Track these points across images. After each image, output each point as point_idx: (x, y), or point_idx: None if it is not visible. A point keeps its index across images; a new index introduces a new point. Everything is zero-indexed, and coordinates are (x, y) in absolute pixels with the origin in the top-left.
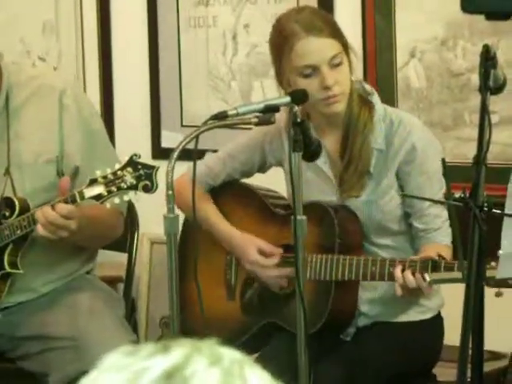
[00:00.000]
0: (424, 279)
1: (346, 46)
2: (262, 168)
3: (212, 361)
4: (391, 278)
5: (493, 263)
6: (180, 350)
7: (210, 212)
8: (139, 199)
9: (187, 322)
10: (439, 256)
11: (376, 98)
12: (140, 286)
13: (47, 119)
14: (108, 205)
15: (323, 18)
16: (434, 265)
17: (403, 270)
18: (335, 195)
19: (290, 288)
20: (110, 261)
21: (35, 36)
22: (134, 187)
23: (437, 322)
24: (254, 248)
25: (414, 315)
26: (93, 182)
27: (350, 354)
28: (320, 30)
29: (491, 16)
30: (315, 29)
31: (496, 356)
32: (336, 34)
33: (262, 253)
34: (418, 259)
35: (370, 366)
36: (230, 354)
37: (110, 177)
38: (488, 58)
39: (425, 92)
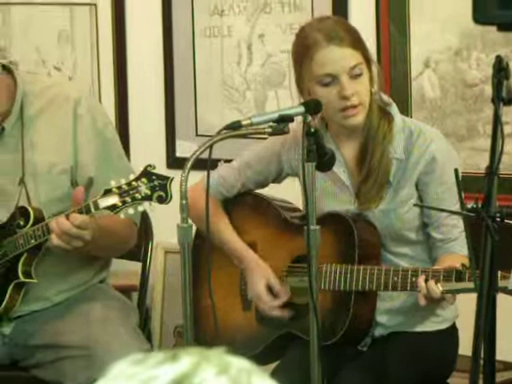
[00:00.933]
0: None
1: (367, 58)
2: (278, 178)
3: (220, 369)
4: (413, 288)
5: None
6: (188, 358)
7: (223, 228)
8: (154, 210)
9: (201, 332)
10: (463, 266)
11: (394, 109)
12: (154, 295)
13: (61, 129)
14: (122, 215)
15: (346, 28)
16: (459, 275)
17: (426, 280)
18: (353, 205)
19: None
20: (125, 270)
21: (51, 46)
22: (148, 198)
23: (452, 332)
24: (264, 281)
25: (430, 325)
26: (107, 192)
27: (367, 364)
28: (341, 39)
29: (503, 27)
30: (337, 38)
31: (508, 366)
32: (358, 45)
33: (269, 288)
34: (442, 269)
35: (388, 377)
36: (238, 363)
37: (125, 187)
38: (500, 69)
39: (439, 102)
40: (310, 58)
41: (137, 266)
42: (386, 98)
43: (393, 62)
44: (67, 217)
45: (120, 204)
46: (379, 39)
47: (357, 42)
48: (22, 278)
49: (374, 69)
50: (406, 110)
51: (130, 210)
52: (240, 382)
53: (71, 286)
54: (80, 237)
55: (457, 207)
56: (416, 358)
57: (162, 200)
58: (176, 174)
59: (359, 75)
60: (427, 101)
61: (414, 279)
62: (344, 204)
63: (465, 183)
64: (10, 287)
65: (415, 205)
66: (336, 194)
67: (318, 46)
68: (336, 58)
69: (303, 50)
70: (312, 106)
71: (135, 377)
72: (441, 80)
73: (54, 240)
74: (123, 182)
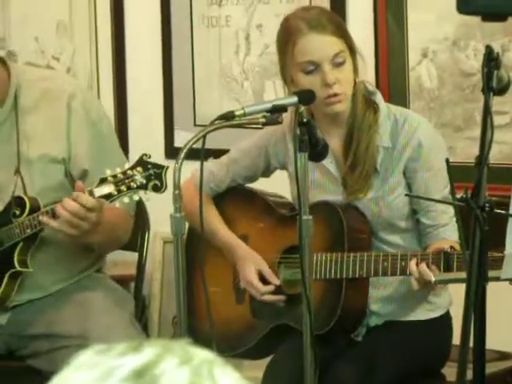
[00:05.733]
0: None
1: (350, 47)
2: (266, 172)
3: (182, 360)
4: (403, 272)
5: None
6: (151, 349)
7: (213, 221)
8: (149, 198)
9: (197, 323)
10: (451, 247)
11: (379, 98)
12: (153, 285)
13: (55, 122)
14: (117, 204)
15: (329, 17)
16: (447, 256)
17: (417, 264)
18: (341, 195)
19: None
20: (123, 259)
21: (49, 36)
22: (143, 187)
23: (446, 320)
24: (254, 269)
25: (424, 313)
26: (103, 181)
27: (362, 355)
28: (324, 27)
29: (487, 17)
30: (319, 26)
31: (503, 356)
32: (340, 33)
33: (260, 275)
34: (430, 252)
35: (382, 366)
36: (201, 354)
37: (120, 176)
38: (491, 59)
39: (436, 92)
40: (292, 45)
41: (135, 256)
42: (370, 86)
43: (390, 52)
44: (74, 199)
45: (115, 193)
46: (377, 29)
47: (339, 31)
48: (17, 268)
49: (359, 59)
50: (403, 100)
51: (125, 199)
52: (201, 373)
53: (67, 275)
54: (87, 218)
55: (445, 192)
56: (412, 347)
57: (158, 189)
58: (174, 164)
59: (342, 63)
60: (425, 91)
61: (403, 264)
62: (332, 195)
63: (461, 173)
64: (6, 276)
65: (407, 195)
66: (324, 185)
67: (301, 33)
68: (318, 45)
69: (286, 38)
70: (305, 96)
71: (97, 366)
72: (438, 70)
73: (56, 225)
74: (118, 170)
